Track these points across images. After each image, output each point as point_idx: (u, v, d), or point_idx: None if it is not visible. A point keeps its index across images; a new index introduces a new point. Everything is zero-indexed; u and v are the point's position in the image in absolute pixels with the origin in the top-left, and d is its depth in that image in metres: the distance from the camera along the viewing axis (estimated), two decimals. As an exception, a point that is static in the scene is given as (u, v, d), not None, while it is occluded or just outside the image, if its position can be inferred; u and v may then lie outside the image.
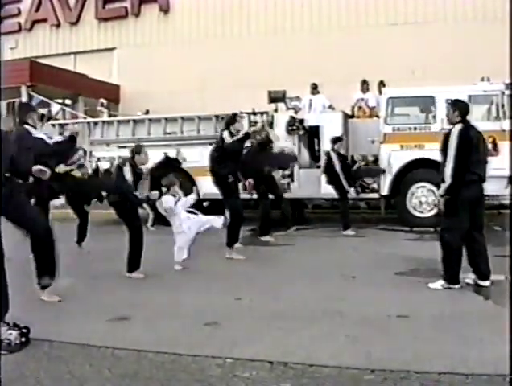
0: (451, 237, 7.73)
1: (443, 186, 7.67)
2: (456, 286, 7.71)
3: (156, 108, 19.49)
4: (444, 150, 7.77)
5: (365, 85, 16.93)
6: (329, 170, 13.59)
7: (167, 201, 9.67)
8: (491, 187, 13.33)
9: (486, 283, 7.80)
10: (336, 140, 13.77)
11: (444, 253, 7.81)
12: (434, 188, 13.95)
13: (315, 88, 17.01)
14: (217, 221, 9.76)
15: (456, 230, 7.72)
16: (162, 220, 15.21)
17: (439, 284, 7.75)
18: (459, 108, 7.99)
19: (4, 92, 20.59)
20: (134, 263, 9.00)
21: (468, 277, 7.94)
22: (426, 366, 4.77)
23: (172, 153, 12.17)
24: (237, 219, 10.47)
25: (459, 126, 7.77)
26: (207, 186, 11.93)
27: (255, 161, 12.58)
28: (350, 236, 13.06)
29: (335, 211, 15.09)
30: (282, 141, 15.41)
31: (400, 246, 11.67)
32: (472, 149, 7.70)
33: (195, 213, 9.72)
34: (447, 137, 7.80)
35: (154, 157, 15.75)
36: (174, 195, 9.79)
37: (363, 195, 15.28)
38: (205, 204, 10.87)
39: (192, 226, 9.56)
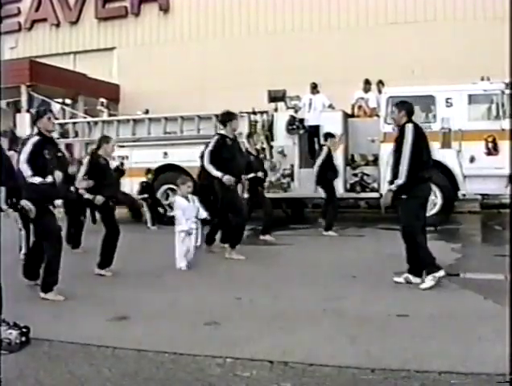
0: (416, 233, 7.93)
1: (397, 182, 7.76)
2: (441, 272, 7.76)
3: (156, 107, 19.47)
4: (398, 150, 7.87)
5: (367, 85, 16.90)
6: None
7: (179, 203, 9.71)
8: (491, 186, 13.50)
9: (418, 280, 7.89)
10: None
11: (416, 250, 7.95)
12: (434, 187, 13.95)
13: (315, 88, 16.98)
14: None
15: (416, 226, 7.95)
16: (161, 219, 15.34)
17: (428, 281, 7.74)
18: (406, 108, 8.14)
19: (4, 92, 20.63)
20: (105, 259, 9.12)
21: (400, 277, 8.04)
22: (426, 365, 4.77)
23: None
24: (241, 220, 10.45)
25: (411, 125, 7.92)
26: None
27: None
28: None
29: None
30: (282, 140, 15.45)
31: (400, 246, 11.58)
32: (424, 148, 7.91)
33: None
34: (400, 136, 7.91)
35: (153, 156, 15.92)
36: (186, 197, 9.78)
37: (363, 195, 15.29)
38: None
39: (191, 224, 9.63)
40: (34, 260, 7.87)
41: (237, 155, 10.46)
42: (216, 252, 10.80)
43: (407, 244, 8.04)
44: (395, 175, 7.84)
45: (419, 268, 7.96)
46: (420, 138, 7.90)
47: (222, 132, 10.46)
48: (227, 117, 10.49)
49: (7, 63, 23.66)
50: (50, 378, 4.77)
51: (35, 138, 7.40)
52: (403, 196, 7.86)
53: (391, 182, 7.97)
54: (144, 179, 15.46)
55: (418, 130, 7.93)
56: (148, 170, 15.56)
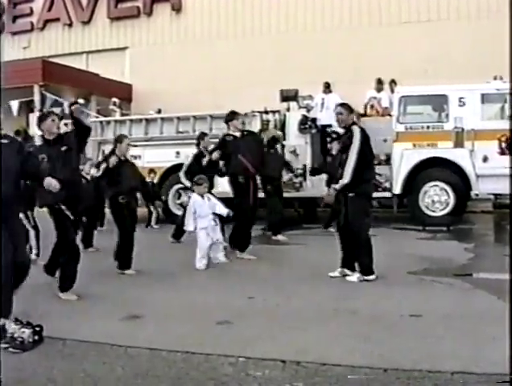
0: (362, 231, 8.27)
1: (341, 182, 8.15)
2: (372, 277, 8.15)
3: (168, 107, 19.50)
4: (345, 151, 8.25)
5: (379, 84, 16.87)
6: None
7: (194, 201, 9.77)
8: (504, 186, 13.42)
9: (355, 275, 8.30)
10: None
11: (358, 247, 8.28)
12: (447, 187, 13.93)
13: (327, 87, 16.96)
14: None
15: (365, 223, 8.34)
16: (169, 219, 15.36)
17: (355, 277, 8.19)
18: (352, 111, 8.69)
19: (17, 92, 20.71)
20: (125, 261, 9.22)
21: (335, 271, 8.49)
22: (438, 365, 4.75)
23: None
24: (244, 221, 10.44)
25: (358, 127, 8.35)
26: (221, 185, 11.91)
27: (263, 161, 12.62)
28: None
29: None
30: (295, 139, 15.44)
31: (413, 245, 11.64)
32: (368, 150, 8.35)
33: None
34: (349, 138, 8.26)
35: (166, 155, 15.95)
36: (202, 196, 9.80)
37: (375, 194, 15.22)
38: None
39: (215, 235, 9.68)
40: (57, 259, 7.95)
41: (242, 150, 10.51)
42: (228, 251, 10.83)
43: (350, 239, 8.38)
44: (341, 175, 8.19)
45: (354, 262, 8.38)
46: (367, 140, 8.27)
47: (225, 131, 10.84)
48: (228, 117, 10.83)
49: (20, 63, 23.76)
50: (63, 376, 4.78)
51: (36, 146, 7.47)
52: (350, 194, 8.21)
53: (336, 181, 8.38)
54: (148, 180, 15.48)
55: (364, 133, 8.32)
56: (151, 170, 15.57)
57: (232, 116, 10.72)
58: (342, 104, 8.78)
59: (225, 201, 10.51)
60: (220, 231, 9.94)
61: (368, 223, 8.43)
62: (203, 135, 12.46)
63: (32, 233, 10.32)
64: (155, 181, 15.67)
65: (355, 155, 8.06)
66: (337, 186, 8.21)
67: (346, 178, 8.07)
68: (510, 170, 12.87)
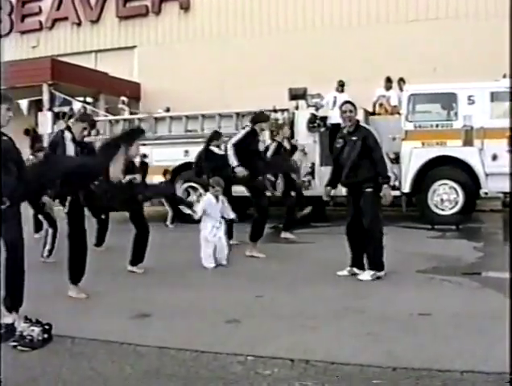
0: (377, 225, 8.32)
1: (392, 180, 8.53)
2: (383, 273, 8.19)
3: (177, 105, 19.52)
4: (367, 150, 8.22)
5: (388, 83, 16.86)
6: None
7: (208, 199, 9.80)
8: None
9: (366, 273, 8.30)
10: None
11: (373, 241, 8.27)
12: (456, 185, 13.89)
13: (341, 86, 16.93)
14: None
15: (380, 218, 8.45)
16: (181, 218, 15.35)
17: (368, 275, 8.18)
18: (356, 108, 8.67)
19: (26, 91, 20.77)
20: (137, 257, 9.26)
21: (344, 270, 8.51)
22: (448, 364, 4.74)
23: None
24: (263, 217, 10.48)
25: (369, 127, 8.66)
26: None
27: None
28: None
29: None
30: (303, 138, 15.41)
31: (422, 244, 11.60)
32: None
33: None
34: (368, 136, 8.31)
35: (175, 154, 15.95)
36: (217, 197, 9.83)
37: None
38: None
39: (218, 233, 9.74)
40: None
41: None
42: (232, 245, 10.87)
43: (359, 238, 8.38)
44: (348, 173, 8.37)
45: (363, 260, 8.42)
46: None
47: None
48: (256, 119, 10.98)
49: (29, 62, 23.85)
50: (72, 375, 4.79)
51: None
52: (368, 189, 8.22)
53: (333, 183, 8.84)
54: (163, 180, 15.46)
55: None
56: (166, 171, 15.55)
57: (260, 117, 11.02)
58: (349, 102, 8.77)
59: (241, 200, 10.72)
60: (225, 234, 9.97)
61: (381, 218, 8.46)
62: (218, 136, 12.48)
63: (50, 231, 10.42)
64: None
65: (382, 152, 8.31)
66: (391, 183, 8.37)
67: (392, 175, 8.15)
68: (510, 169, 12.82)
